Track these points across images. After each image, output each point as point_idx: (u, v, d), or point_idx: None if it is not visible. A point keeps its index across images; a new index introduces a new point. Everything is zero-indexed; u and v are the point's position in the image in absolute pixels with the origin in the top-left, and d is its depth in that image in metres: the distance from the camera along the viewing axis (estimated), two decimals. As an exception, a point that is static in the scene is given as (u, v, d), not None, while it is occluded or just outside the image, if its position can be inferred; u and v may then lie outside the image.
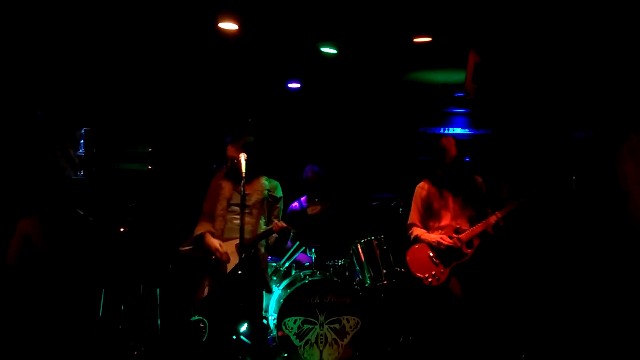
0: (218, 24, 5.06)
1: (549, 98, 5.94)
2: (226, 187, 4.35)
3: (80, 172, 5.72)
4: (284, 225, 4.19)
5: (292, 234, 4.44)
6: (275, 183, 4.49)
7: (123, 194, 5.79)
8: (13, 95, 5.57)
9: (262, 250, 4.41)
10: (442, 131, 7.30)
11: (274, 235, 4.34)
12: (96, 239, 5.10)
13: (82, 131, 5.81)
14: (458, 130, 7.32)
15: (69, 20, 5.09)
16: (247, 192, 4.21)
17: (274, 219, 4.36)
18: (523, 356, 5.02)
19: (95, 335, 5.03)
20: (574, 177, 5.71)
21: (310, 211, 4.32)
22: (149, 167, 6.09)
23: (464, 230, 4.40)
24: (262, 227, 4.35)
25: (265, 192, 4.37)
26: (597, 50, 5.22)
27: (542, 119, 6.18)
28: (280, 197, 4.48)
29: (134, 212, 5.49)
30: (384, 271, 5.30)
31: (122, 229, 5.30)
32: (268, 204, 4.38)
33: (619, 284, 5.03)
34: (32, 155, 5.43)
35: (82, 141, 5.79)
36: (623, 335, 4.82)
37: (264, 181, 4.42)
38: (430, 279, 4.42)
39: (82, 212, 4.99)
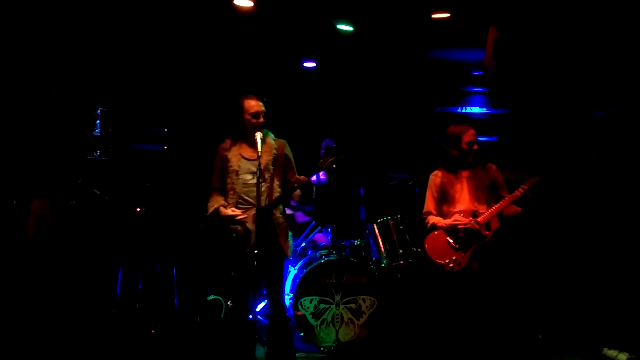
0: (233, 0, 5.01)
1: (569, 76, 5.83)
2: (233, 158, 4.14)
3: (96, 153, 5.73)
4: (305, 179, 3.99)
5: (315, 187, 4.26)
6: (282, 141, 4.26)
7: (139, 174, 5.80)
8: (29, 75, 5.58)
9: (279, 215, 4.18)
10: (459, 110, 7.20)
11: (298, 191, 4.13)
12: (113, 219, 5.13)
13: (98, 111, 5.81)
14: (476, 110, 7.22)
15: (85, 1, 5.07)
16: (255, 157, 4.04)
17: (290, 178, 4.14)
18: (540, 336, 5.01)
19: (112, 314, 5.07)
20: (594, 157, 5.63)
21: (321, 165, 4.19)
22: (165, 147, 6.08)
23: (482, 213, 4.35)
24: (278, 191, 4.14)
25: (273, 150, 4.14)
26: (618, 27, 5.11)
27: (562, 97, 6.08)
28: (290, 155, 4.24)
29: (150, 191, 5.49)
30: (401, 251, 5.29)
31: (138, 209, 5.31)
32: (278, 163, 4.15)
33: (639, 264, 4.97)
34: (48, 135, 5.45)
35: (98, 121, 5.79)
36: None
37: (271, 140, 4.19)
38: (451, 264, 4.35)
39: (98, 192, 5.01)
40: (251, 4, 5.06)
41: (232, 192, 4.12)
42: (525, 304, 5.24)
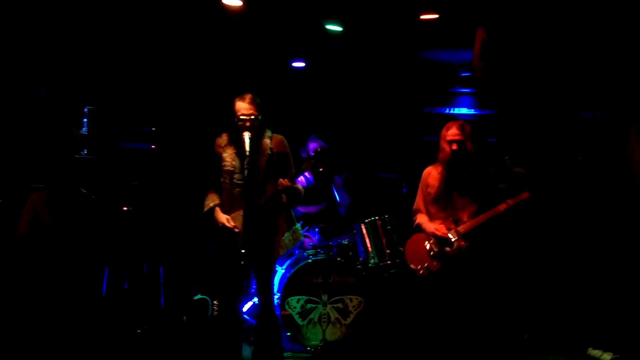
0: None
1: (557, 77, 5.87)
2: (228, 157, 4.09)
3: (83, 151, 5.69)
4: (288, 184, 3.93)
5: (302, 191, 4.14)
6: (279, 137, 4.16)
7: (126, 173, 5.77)
8: (16, 73, 5.54)
9: (271, 215, 4.10)
10: (447, 111, 7.23)
11: (283, 194, 4.07)
12: (99, 218, 5.10)
13: (86, 110, 5.77)
14: (464, 111, 7.26)
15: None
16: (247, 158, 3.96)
17: (284, 177, 4.01)
18: (525, 336, 5.03)
19: (98, 314, 5.04)
20: (580, 158, 5.66)
21: (305, 168, 4.17)
22: (152, 146, 6.06)
23: (464, 222, 4.28)
24: (270, 191, 4.05)
25: (268, 151, 4.04)
26: (606, 29, 5.15)
27: (549, 99, 6.11)
28: (287, 153, 4.14)
29: (137, 191, 5.47)
30: (388, 251, 5.31)
31: (125, 208, 5.29)
32: (273, 163, 4.06)
33: (625, 266, 5.01)
34: (35, 133, 5.41)
35: (85, 120, 5.75)
36: (627, 314, 4.81)
37: (267, 139, 4.10)
38: (422, 271, 4.35)
39: (85, 191, 4.98)
40: (240, 3, 5.05)
41: (225, 192, 4.10)
42: (510, 304, 5.26)
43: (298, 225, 4.30)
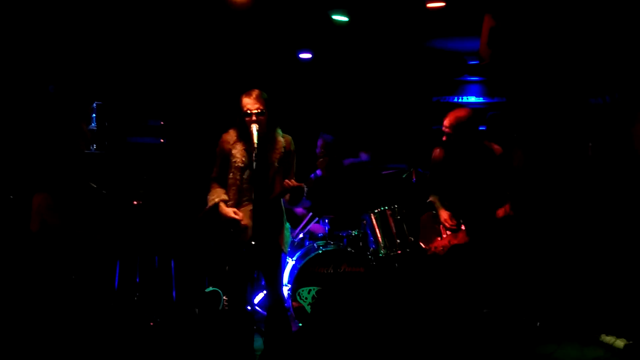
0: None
1: (566, 63, 5.83)
2: (238, 154, 4.07)
3: (92, 147, 5.71)
4: (296, 184, 3.96)
5: (306, 190, 4.17)
6: (289, 138, 4.21)
7: (136, 167, 5.79)
8: (25, 70, 5.56)
9: (277, 211, 4.14)
10: (455, 100, 7.21)
11: (288, 193, 4.09)
12: (110, 212, 5.12)
13: (94, 105, 5.79)
14: (472, 99, 7.23)
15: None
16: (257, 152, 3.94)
17: (287, 177, 4.06)
18: (538, 324, 5.03)
19: (111, 307, 5.08)
20: (590, 144, 5.64)
21: (320, 164, 4.27)
22: (161, 140, 6.08)
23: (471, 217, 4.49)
24: (280, 188, 4.05)
25: (282, 148, 4.09)
26: (614, 15, 5.11)
27: (558, 85, 6.08)
28: (294, 152, 4.19)
29: (147, 184, 5.49)
30: (398, 241, 5.30)
31: (135, 202, 5.31)
32: (284, 161, 4.11)
33: (638, 252, 4.99)
34: (45, 130, 5.44)
35: (94, 115, 5.77)
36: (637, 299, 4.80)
37: (280, 137, 4.14)
38: (432, 250, 4.57)
39: (95, 186, 5.00)
40: (246, -5, 5.05)
41: (234, 188, 4.07)
42: (522, 291, 5.25)
43: (288, 225, 4.30)
